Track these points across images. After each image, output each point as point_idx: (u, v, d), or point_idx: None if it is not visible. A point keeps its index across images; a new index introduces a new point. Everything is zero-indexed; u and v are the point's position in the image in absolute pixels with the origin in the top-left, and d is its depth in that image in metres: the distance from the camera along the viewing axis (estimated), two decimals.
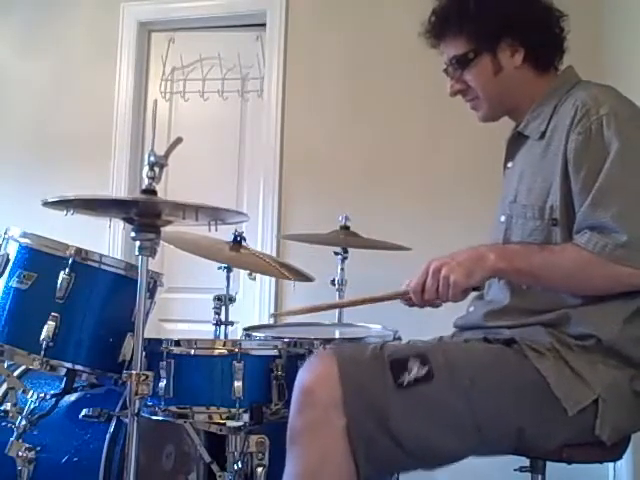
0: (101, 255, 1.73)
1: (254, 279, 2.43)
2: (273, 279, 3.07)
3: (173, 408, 1.61)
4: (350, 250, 2.45)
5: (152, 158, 1.42)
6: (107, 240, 3.20)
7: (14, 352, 1.67)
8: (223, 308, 2.16)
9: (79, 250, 1.69)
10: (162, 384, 1.60)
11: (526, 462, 1.44)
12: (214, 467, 1.68)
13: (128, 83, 3.43)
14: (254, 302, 3.14)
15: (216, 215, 1.54)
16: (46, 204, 1.44)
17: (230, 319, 2.18)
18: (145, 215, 1.46)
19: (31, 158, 3.50)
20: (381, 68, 3.10)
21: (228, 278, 2.25)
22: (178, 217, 1.55)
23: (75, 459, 1.73)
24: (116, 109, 3.42)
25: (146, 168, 1.43)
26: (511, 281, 1.45)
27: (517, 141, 1.56)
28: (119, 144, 3.40)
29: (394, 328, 1.93)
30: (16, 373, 1.84)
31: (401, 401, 1.28)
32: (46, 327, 1.64)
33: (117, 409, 1.74)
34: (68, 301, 1.66)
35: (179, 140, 1.44)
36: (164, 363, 1.61)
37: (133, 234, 1.46)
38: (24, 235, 1.71)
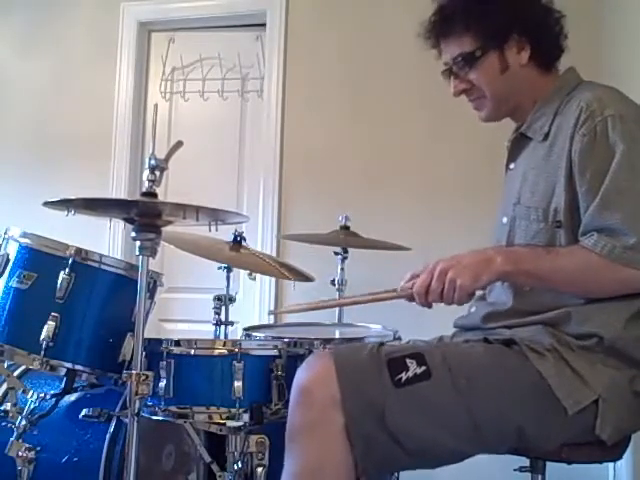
0: (101, 255, 1.73)
1: (254, 279, 2.43)
2: (273, 279, 3.07)
3: (173, 408, 1.61)
4: (350, 250, 2.45)
5: (152, 162, 1.42)
6: (107, 240, 3.20)
7: (14, 352, 1.67)
8: (223, 308, 2.16)
9: (79, 250, 1.69)
10: (162, 384, 1.60)
11: (526, 462, 1.44)
12: (214, 467, 1.68)
13: (128, 83, 3.43)
14: (254, 302, 3.13)
15: (216, 215, 1.54)
16: (47, 204, 1.44)
17: (230, 319, 2.18)
18: (145, 215, 1.46)
19: (31, 158, 3.50)
20: (381, 68, 3.10)
21: (228, 278, 2.25)
22: (178, 217, 1.55)
23: (75, 459, 1.73)
24: (116, 109, 3.42)
25: (146, 171, 1.43)
26: (516, 284, 1.44)
27: (520, 142, 1.55)
28: (119, 144, 3.40)
29: (394, 328, 1.93)
30: (16, 373, 1.84)
31: (399, 399, 1.28)
32: (46, 327, 1.64)
33: (117, 409, 1.74)
34: (68, 301, 1.66)
35: (180, 144, 1.44)
36: (164, 363, 1.61)
37: (133, 234, 1.46)
38: (24, 235, 1.71)
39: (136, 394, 1.42)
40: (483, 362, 1.35)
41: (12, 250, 1.71)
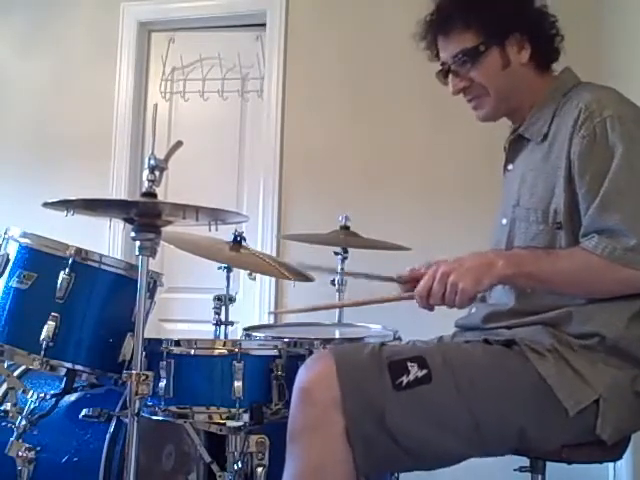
0: (101, 255, 1.73)
1: (254, 279, 2.43)
2: (273, 279, 3.07)
3: (173, 408, 1.61)
4: (350, 250, 2.45)
5: (152, 162, 1.42)
6: (107, 240, 3.20)
7: (14, 352, 1.67)
8: (223, 308, 2.16)
9: (79, 250, 1.69)
10: (162, 384, 1.60)
11: (526, 462, 1.44)
12: (214, 467, 1.68)
13: (128, 83, 3.43)
14: (254, 302, 3.14)
15: (216, 215, 1.54)
16: (46, 204, 1.44)
17: (230, 319, 2.18)
18: (145, 215, 1.46)
19: (31, 158, 3.50)
20: (381, 68, 3.10)
21: (228, 278, 2.25)
22: (178, 217, 1.55)
23: (75, 459, 1.73)
24: (116, 109, 3.42)
25: (146, 171, 1.43)
26: (518, 286, 1.44)
27: (517, 144, 1.55)
28: (119, 144, 3.41)
29: (394, 328, 1.92)
30: (16, 373, 1.83)
31: (399, 402, 1.28)
32: (46, 327, 1.64)
33: (117, 409, 1.74)
34: (68, 301, 1.66)
35: (179, 144, 1.44)
36: (164, 363, 1.61)
37: (133, 234, 1.46)
38: (24, 235, 1.71)
39: (136, 394, 1.42)
40: (484, 364, 1.35)
41: (12, 250, 1.71)
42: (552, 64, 1.53)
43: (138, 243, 1.46)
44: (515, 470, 1.46)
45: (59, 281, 1.65)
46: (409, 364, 1.30)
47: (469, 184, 2.88)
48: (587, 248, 1.33)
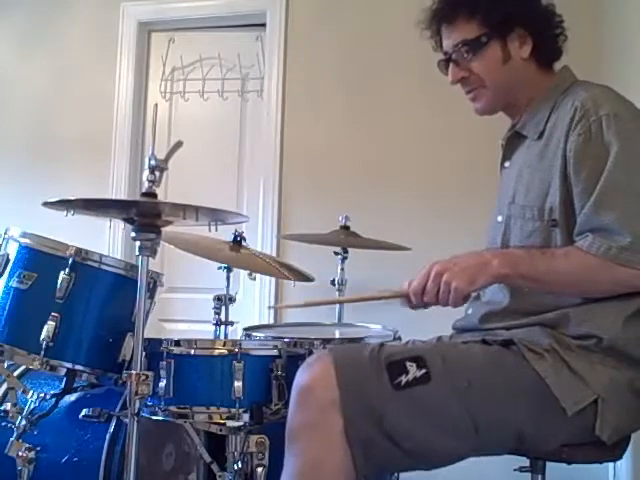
0: (101, 255, 1.74)
1: (254, 279, 2.43)
2: (273, 279, 3.07)
3: (173, 408, 1.61)
4: (350, 250, 2.45)
5: (152, 162, 1.42)
6: (107, 240, 3.20)
7: (14, 352, 1.67)
8: (223, 308, 2.16)
9: (79, 250, 1.69)
10: (162, 384, 1.60)
11: (526, 462, 1.44)
12: (214, 467, 1.68)
13: (128, 83, 3.43)
14: (254, 302, 3.13)
15: (216, 215, 1.54)
16: (46, 204, 1.44)
17: (230, 319, 2.18)
18: (145, 215, 1.46)
19: (31, 158, 3.50)
20: (381, 68, 3.10)
21: (228, 278, 2.25)
22: (178, 217, 1.55)
23: (75, 459, 1.73)
24: (116, 109, 3.42)
25: (146, 172, 1.43)
26: (513, 286, 1.44)
27: (514, 141, 1.55)
28: (119, 144, 3.40)
29: (394, 328, 1.93)
30: (16, 373, 1.84)
31: (398, 402, 1.28)
32: (46, 327, 1.64)
33: (117, 409, 1.74)
34: (68, 301, 1.66)
35: (179, 144, 1.44)
36: (164, 363, 1.61)
37: (133, 234, 1.46)
38: (24, 235, 1.71)
39: (136, 394, 1.42)
40: (482, 364, 1.35)
41: (12, 250, 1.71)
42: (554, 62, 1.53)
43: (138, 243, 1.46)
44: (515, 470, 1.46)
45: (59, 281, 1.66)
46: (408, 364, 1.30)
47: (469, 184, 2.88)
48: (582, 247, 1.33)
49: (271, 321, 3.01)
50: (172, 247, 1.96)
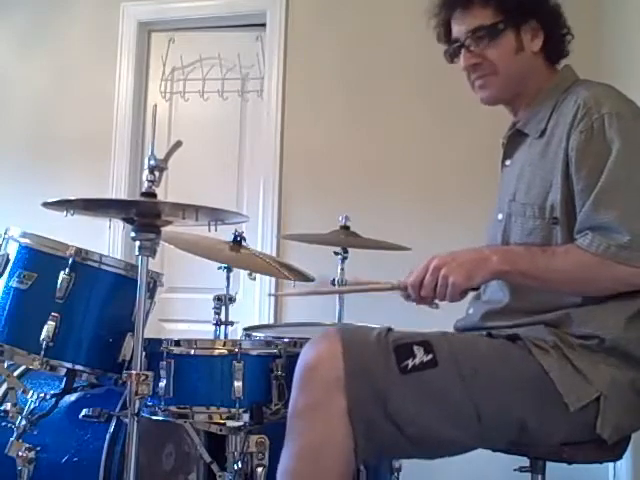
0: (101, 255, 1.74)
1: (254, 279, 2.42)
2: (273, 279, 3.07)
3: (173, 408, 1.61)
4: (350, 250, 2.45)
5: (152, 162, 1.42)
6: (107, 240, 3.20)
7: (14, 352, 1.67)
8: (223, 308, 2.16)
9: (79, 250, 1.69)
10: (162, 384, 1.60)
11: (526, 462, 1.44)
12: (214, 467, 1.68)
13: (128, 83, 3.43)
14: (254, 302, 3.13)
15: (216, 215, 1.54)
16: (46, 204, 1.44)
17: (230, 319, 2.18)
18: (145, 215, 1.46)
19: (31, 158, 3.50)
20: (381, 68, 3.10)
21: (228, 278, 2.24)
22: (178, 217, 1.55)
23: (75, 459, 1.73)
24: (116, 109, 3.42)
25: (146, 172, 1.43)
26: (512, 283, 1.44)
27: (516, 139, 1.55)
28: (119, 144, 3.40)
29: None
30: (16, 373, 1.84)
31: (403, 385, 1.28)
32: (46, 327, 1.64)
33: (117, 409, 1.74)
34: (68, 301, 1.66)
35: (179, 144, 1.44)
36: (164, 363, 1.61)
37: (133, 234, 1.46)
38: (24, 235, 1.71)
39: (136, 394, 1.42)
40: (488, 353, 1.35)
41: (12, 250, 1.71)
42: (560, 60, 1.54)
43: (138, 243, 1.46)
44: (515, 470, 1.46)
45: (59, 281, 1.65)
46: (415, 348, 1.30)
47: (469, 184, 2.88)
48: (582, 246, 1.33)
49: (271, 321, 3.01)
50: (172, 247, 1.96)
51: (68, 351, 1.68)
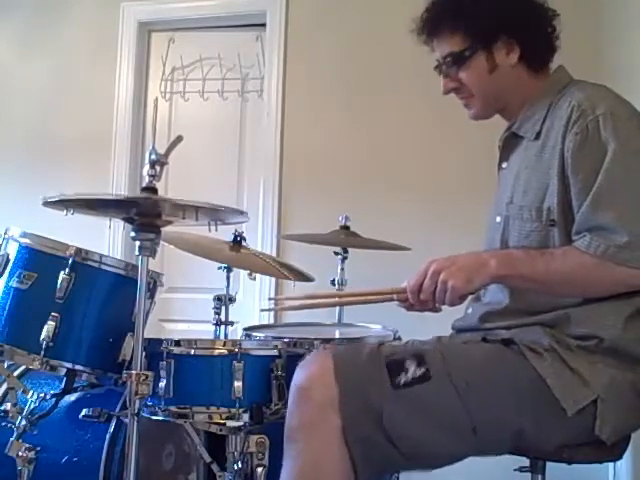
0: (101, 255, 1.73)
1: (254, 279, 2.42)
2: (273, 279, 3.07)
3: (173, 408, 1.61)
4: (350, 250, 2.45)
5: (153, 156, 1.42)
6: (107, 240, 3.20)
7: (14, 352, 1.67)
8: (223, 308, 2.16)
9: (79, 250, 1.69)
10: (162, 384, 1.60)
11: (526, 462, 1.44)
12: (214, 467, 1.68)
13: (128, 83, 3.43)
14: (254, 302, 3.13)
15: (216, 215, 1.54)
16: (46, 204, 1.44)
17: (230, 319, 2.18)
18: (145, 215, 1.46)
19: (31, 158, 3.50)
20: (381, 68, 3.10)
21: (228, 278, 2.24)
22: (178, 217, 1.55)
23: (75, 459, 1.73)
24: (116, 109, 3.42)
25: (147, 166, 1.43)
26: (511, 286, 1.43)
27: (512, 141, 1.55)
28: (119, 144, 3.40)
29: (394, 328, 1.93)
30: (16, 373, 1.83)
31: (397, 401, 1.28)
32: (46, 327, 1.64)
33: (117, 409, 1.74)
34: (68, 301, 1.66)
35: (180, 139, 1.44)
36: (164, 363, 1.61)
37: (133, 234, 1.46)
38: (24, 235, 1.71)
39: (136, 394, 1.42)
40: (482, 363, 1.35)
41: (12, 250, 1.71)
42: (546, 62, 1.52)
43: (138, 243, 1.46)
44: (515, 470, 1.46)
45: (59, 281, 1.65)
46: (407, 362, 1.30)
47: (469, 184, 2.88)
48: (580, 247, 1.32)
49: (271, 321, 3.01)
50: (172, 247, 1.96)
51: (68, 351, 1.68)
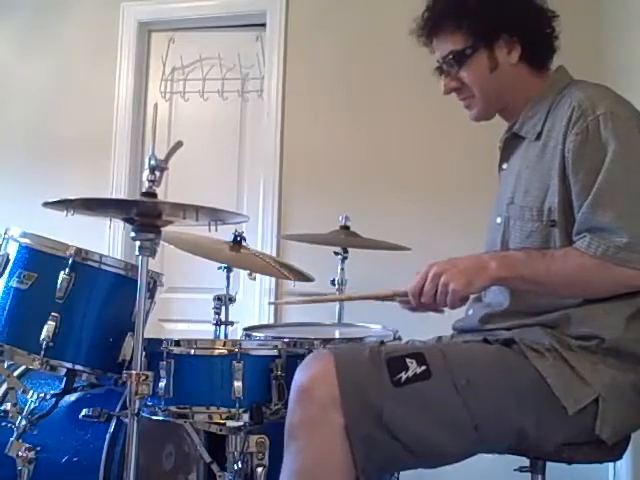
0: (101, 255, 1.73)
1: (254, 279, 2.43)
2: (273, 279, 3.07)
3: (173, 408, 1.61)
4: (350, 250, 2.45)
5: (152, 162, 1.42)
6: (107, 240, 3.20)
7: (14, 352, 1.67)
8: (223, 308, 2.16)
9: (79, 250, 1.69)
10: (162, 384, 1.60)
11: (526, 462, 1.44)
12: (214, 467, 1.68)
13: (128, 83, 3.43)
14: (254, 302, 3.14)
15: (216, 215, 1.54)
16: (46, 204, 1.44)
17: (230, 319, 2.18)
18: (145, 215, 1.46)
19: (31, 158, 3.50)
20: (381, 68, 3.10)
21: (228, 278, 2.25)
22: (178, 217, 1.55)
23: (75, 459, 1.73)
24: (116, 109, 3.43)
25: (146, 172, 1.43)
26: (512, 288, 1.43)
27: (512, 142, 1.55)
28: (119, 144, 3.40)
29: (394, 328, 1.93)
30: (16, 373, 1.84)
31: (398, 399, 1.28)
32: (46, 327, 1.64)
33: (117, 409, 1.74)
34: (68, 301, 1.66)
35: (179, 144, 1.44)
36: (164, 363, 1.61)
37: (133, 234, 1.46)
38: (24, 235, 1.71)
39: (136, 394, 1.42)
40: (483, 361, 1.35)
41: (12, 250, 1.71)
42: (547, 62, 1.52)
43: (138, 243, 1.46)
44: (515, 470, 1.46)
45: (59, 281, 1.65)
46: (408, 360, 1.30)
47: (469, 184, 2.88)
48: (580, 248, 1.32)
49: (271, 321, 3.01)
50: (172, 247, 1.96)
51: (68, 351, 1.68)
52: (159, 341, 1.64)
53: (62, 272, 1.66)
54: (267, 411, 1.60)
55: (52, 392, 1.77)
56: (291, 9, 3.25)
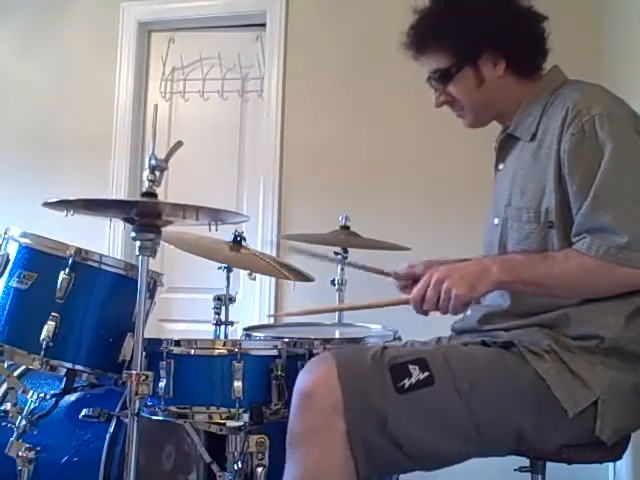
0: (101, 255, 1.73)
1: (254, 279, 2.42)
2: (273, 279, 3.07)
3: (173, 408, 1.61)
4: (350, 250, 2.45)
5: (153, 162, 1.43)
6: (107, 240, 3.20)
7: (14, 352, 1.67)
8: (223, 308, 2.16)
9: (79, 250, 1.69)
10: (162, 384, 1.60)
11: (526, 462, 1.44)
12: (214, 467, 1.68)
13: (128, 83, 3.43)
14: (254, 302, 3.13)
15: (216, 215, 1.54)
16: (46, 204, 1.44)
17: (230, 319, 2.18)
18: (145, 215, 1.46)
19: (31, 158, 3.50)
20: (381, 68, 3.09)
21: (228, 278, 2.24)
22: (178, 217, 1.55)
23: (75, 459, 1.73)
24: (116, 109, 3.42)
25: (146, 171, 1.43)
26: (514, 291, 1.43)
27: (508, 143, 1.55)
28: (119, 144, 3.40)
29: (394, 328, 1.93)
30: (16, 373, 1.84)
31: (401, 405, 1.28)
32: (46, 327, 1.64)
33: (117, 409, 1.74)
34: (68, 301, 1.66)
35: (179, 144, 1.44)
36: (164, 363, 1.61)
37: (133, 234, 1.46)
38: (24, 235, 1.71)
39: (136, 394, 1.42)
40: (483, 365, 1.35)
41: (12, 250, 1.71)
42: (537, 66, 1.52)
43: (138, 243, 1.46)
44: (515, 470, 1.47)
45: (59, 281, 1.65)
46: (411, 367, 1.30)
47: (469, 184, 2.87)
48: (581, 249, 1.32)
49: (271, 321, 3.01)
50: (172, 247, 1.95)
51: (68, 351, 1.68)
52: (159, 341, 1.64)
53: (62, 272, 1.66)
54: (267, 411, 1.60)
55: (52, 392, 1.77)
56: (291, 9, 3.25)
